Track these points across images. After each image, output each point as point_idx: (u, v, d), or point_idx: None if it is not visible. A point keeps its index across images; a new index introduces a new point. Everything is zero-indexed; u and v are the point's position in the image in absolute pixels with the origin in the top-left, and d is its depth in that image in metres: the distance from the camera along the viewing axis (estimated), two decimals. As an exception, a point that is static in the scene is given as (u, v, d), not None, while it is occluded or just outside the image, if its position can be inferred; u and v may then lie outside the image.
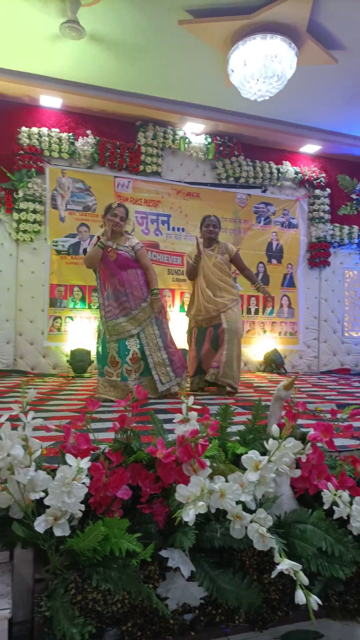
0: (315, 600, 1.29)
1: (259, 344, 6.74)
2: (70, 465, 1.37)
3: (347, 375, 6.62)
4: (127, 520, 1.40)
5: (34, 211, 5.71)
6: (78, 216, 5.99)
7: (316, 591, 1.43)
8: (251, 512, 1.43)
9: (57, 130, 5.89)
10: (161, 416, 1.97)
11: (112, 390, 3.59)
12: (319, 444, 1.69)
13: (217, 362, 3.95)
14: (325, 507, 1.58)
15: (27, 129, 5.75)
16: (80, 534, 1.35)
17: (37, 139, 5.76)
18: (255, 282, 4.36)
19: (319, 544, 1.49)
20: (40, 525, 1.32)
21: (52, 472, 1.40)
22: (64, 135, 5.88)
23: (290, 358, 6.98)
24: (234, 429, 1.90)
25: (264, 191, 6.94)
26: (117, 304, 3.62)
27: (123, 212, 3.68)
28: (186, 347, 4.42)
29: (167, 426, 1.86)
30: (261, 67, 4.48)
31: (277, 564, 1.34)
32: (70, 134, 5.92)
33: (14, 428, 1.44)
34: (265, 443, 1.52)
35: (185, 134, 6.43)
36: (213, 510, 1.43)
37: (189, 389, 4.13)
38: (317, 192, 7.17)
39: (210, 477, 1.50)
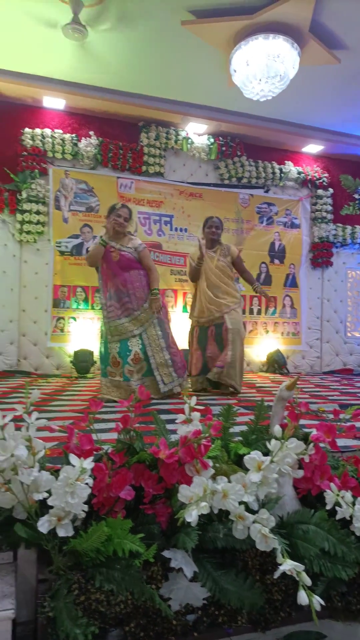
0: (318, 601, 1.29)
1: (262, 344, 6.74)
2: (73, 466, 1.37)
3: (350, 376, 6.61)
4: (130, 521, 1.40)
5: (38, 212, 5.73)
6: (81, 217, 6.01)
7: (319, 592, 1.43)
8: (254, 512, 1.43)
9: (60, 131, 5.91)
10: (164, 417, 1.97)
11: (115, 391, 3.59)
12: (321, 445, 1.69)
13: (222, 362, 3.96)
14: (328, 507, 1.58)
15: (30, 130, 5.77)
16: (84, 534, 1.35)
17: (41, 140, 5.78)
18: (253, 284, 4.36)
19: (322, 544, 1.49)
20: (43, 525, 1.32)
21: (56, 473, 1.40)
22: (67, 136, 5.90)
23: (293, 358, 6.98)
24: (236, 429, 1.90)
25: (267, 191, 6.94)
26: (120, 304, 3.62)
27: (127, 213, 3.69)
28: (186, 347, 4.42)
29: (169, 426, 1.87)
30: (264, 67, 4.48)
31: (280, 564, 1.34)
32: (73, 135, 5.93)
33: (18, 428, 1.44)
34: (267, 443, 1.52)
35: (187, 134, 6.44)
36: (216, 511, 1.43)
37: (191, 389, 4.14)
38: (320, 192, 7.16)
39: (213, 477, 1.50)
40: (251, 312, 6.75)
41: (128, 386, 3.52)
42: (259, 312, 6.81)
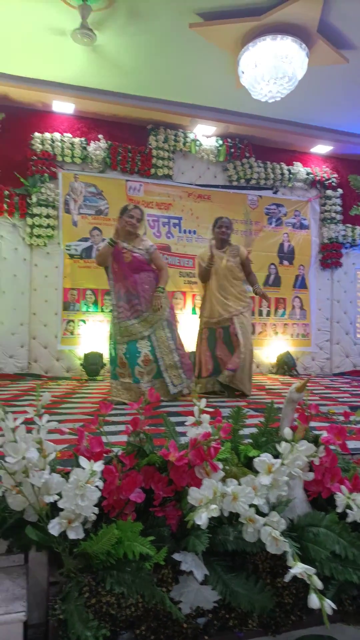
0: (329, 605, 1.28)
1: (271, 346, 6.72)
2: (83, 469, 1.38)
3: (361, 377, 6.56)
4: (140, 524, 1.41)
5: (47, 216, 5.77)
6: (90, 220, 6.04)
7: (330, 595, 1.42)
8: (264, 515, 1.42)
9: (70, 135, 5.95)
10: (173, 419, 1.98)
11: (125, 393, 3.60)
12: (332, 447, 1.68)
13: (233, 366, 3.96)
14: (339, 510, 1.57)
15: (40, 134, 5.82)
16: (94, 537, 1.36)
17: (50, 145, 5.83)
18: (254, 285, 4.35)
19: (333, 547, 1.48)
20: (54, 528, 1.33)
21: (66, 475, 1.41)
22: (76, 140, 5.94)
23: (303, 360, 6.94)
24: (246, 431, 1.90)
25: (275, 192, 6.92)
26: (129, 305, 3.64)
27: (139, 214, 3.72)
28: (193, 349, 4.43)
29: (179, 429, 1.87)
30: (272, 68, 4.48)
31: (291, 567, 1.33)
32: (83, 139, 5.97)
33: (29, 431, 1.45)
34: (277, 446, 1.52)
35: (196, 136, 6.44)
36: (226, 514, 1.42)
37: (199, 392, 4.13)
38: (329, 192, 7.12)
39: (223, 480, 1.50)
40: (260, 313, 6.73)
41: (138, 388, 3.53)
42: (268, 314, 6.78)
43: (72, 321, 5.91)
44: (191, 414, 1.66)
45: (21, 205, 5.69)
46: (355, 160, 7.32)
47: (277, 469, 1.45)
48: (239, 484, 1.45)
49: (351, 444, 1.94)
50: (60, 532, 1.33)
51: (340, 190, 7.15)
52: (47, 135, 5.84)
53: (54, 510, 1.38)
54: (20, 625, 1.33)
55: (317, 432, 1.87)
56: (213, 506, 1.36)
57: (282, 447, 1.49)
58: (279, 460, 1.47)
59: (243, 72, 4.73)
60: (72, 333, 5.89)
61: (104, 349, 5.56)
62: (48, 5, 4.15)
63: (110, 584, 1.35)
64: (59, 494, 1.37)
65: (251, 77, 4.68)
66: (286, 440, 1.51)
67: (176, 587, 1.43)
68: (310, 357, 7.01)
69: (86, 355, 5.67)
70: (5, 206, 5.62)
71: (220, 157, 6.56)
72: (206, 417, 1.65)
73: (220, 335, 4.13)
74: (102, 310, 5.97)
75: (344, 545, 1.48)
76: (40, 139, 5.81)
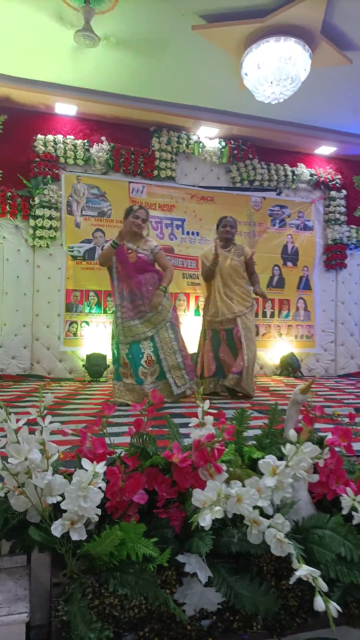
0: (334, 607, 1.27)
1: (275, 347, 6.70)
2: (86, 470, 1.37)
3: (365, 379, 6.53)
4: (143, 525, 1.40)
5: (50, 217, 5.78)
6: (93, 222, 6.05)
7: (335, 598, 1.41)
8: (268, 517, 1.41)
9: (72, 137, 5.96)
10: (177, 420, 1.97)
11: (129, 394, 3.60)
12: (337, 449, 1.67)
13: (237, 369, 3.96)
14: (344, 512, 1.56)
15: (42, 136, 5.83)
16: (97, 538, 1.35)
17: (53, 146, 5.84)
18: (254, 285, 4.35)
19: (338, 549, 1.46)
20: (57, 529, 1.32)
21: (69, 476, 1.41)
22: (79, 142, 5.95)
23: (307, 361, 6.92)
24: (250, 433, 1.89)
25: (279, 194, 6.92)
26: (133, 306, 3.65)
27: (144, 214, 3.73)
28: (195, 350, 4.43)
29: (182, 430, 1.86)
30: (275, 69, 4.48)
31: (296, 570, 1.32)
32: (85, 141, 5.98)
33: (32, 432, 1.45)
34: (282, 447, 1.51)
35: (199, 138, 6.45)
36: (230, 515, 1.41)
37: (202, 392, 4.13)
38: (333, 193, 7.11)
39: (227, 481, 1.49)
40: (264, 315, 6.71)
41: (141, 390, 3.52)
42: (272, 315, 6.77)
43: (75, 322, 5.91)
44: (195, 415, 1.65)
45: (24, 206, 5.70)
46: (359, 162, 7.30)
47: (281, 470, 1.43)
48: (243, 486, 1.44)
49: (356, 446, 1.93)
50: (63, 533, 1.33)
51: (344, 192, 7.14)
52: (50, 137, 5.86)
53: (56, 511, 1.37)
54: (22, 626, 1.33)
55: (322, 434, 1.86)
56: (217, 508, 1.35)
57: (287, 448, 1.48)
58: (283, 462, 1.45)
59: (246, 74, 4.73)
60: (74, 334, 5.89)
61: (107, 351, 5.56)
62: (51, 7, 4.17)
63: (113, 585, 1.34)
64: (62, 495, 1.37)
65: (254, 78, 4.68)
66: (291, 442, 1.50)
67: (180, 589, 1.42)
68: (315, 359, 6.99)
69: (89, 357, 5.67)
70: (8, 207, 5.64)
71: (223, 159, 6.56)
72: (210, 419, 1.64)
73: (224, 337, 4.13)
74: (105, 312, 5.97)
75: (349, 547, 1.47)
76: (43, 141, 5.82)
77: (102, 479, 1.39)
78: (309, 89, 5.09)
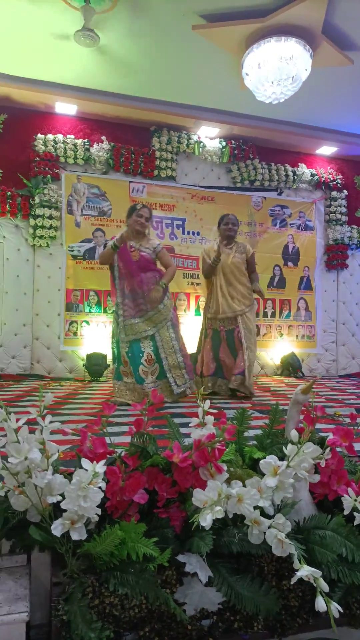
0: (336, 608, 1.26)
1: (276, 347, 6.69)
2: (86, 470, 1.37)
3: (366, 379, 6.52)
4: (143, 525, 1.40)
5: (50, 217, 5.77)
6: (93, 221, 6.04)
7: (336, 598, 1.40)
8: (269, 517, 1.41)
9: (72, 136, 5.95)
10: (177, 420, 1.96)
11: (129, 394, 3.60)
12: (338, 449, 1.66)
13: (240, 370, 3.97)
14: (346, 512, 1.55)
15: (42, 136, 5.83)
16: (97, 537, 1.35)
17: (53, 146, 5.83)
18: (253, 282, 4.34)
19: (339, 550, 1.46)
20: (57, 529, 1.32)
21: (69, 476, 1.40)
22: (79, 141, 5.95)
23: (308, 362, 6.91)
24: (251, 433, 1.88)
25: (280, 194, 6.91)
26: (134, 304, 3.65)
27: (147, 213, 3.75)
28: (195, 349, 4.43)
29: (183, 430, 1.86)
30: (276, 69, 4.47)
31: (297, 570, 1.32)
32: (85, 140, 5.98)
33: (32, 432, 1.44)
34: (283, 448, 1.50)
35: (199, 138, 6.44)
36: (230, 515, 1.41)
37: (202, 392, 4.13)
38: (334, 193, 7.11)
39: (228, 481, 1.48)
40: (265, 315, 6.71)
41: (142, 389, 3.52)
42: (273, 315, 6.76)
43: (75, 322, 5.90)
44: (195, 415, 1.65)
45: (24, 206, 5.70)
46: (360, 162, 7.31)
47: (283, 471, 1.43)
48: (244, 486, 1.44)
49: (358, 446, 1.92)
50: (63, 533, 1.33)
51: (345, 192, 7.13)
52: (50, 136, 5.85)
53: (57, 510, 1.37)
54: (22, 625, 1.32)
55: (323, 434, 1.86)
56: (217, 508, 1.35)
57: (289, 449, 1.48)
58: (284, 463, 1.45)
59: (247, 74, 4.72)
60: (75, 334, 5.89)
61: (107, 350, 5.56)
62: (51, 7, 4.16)
63: (113, 585, 1.34)
64: (62, 495, 1.36)
65: (255, 78, 4.67)
66: (292, 442, 1.49)
67: (180, 589, 1.42)
68: (316, 359, 6.98)
69: (89, 356, 5.66)
70: (8, 207, 5.63)
71: (224, 159, 6.56)
72: (210, 419, 1.64)
73: (224, 338, 4.13)
74: (105, 311, 5.96)
75: (350, 548, 1.47)
76: (43, 141, 5.82)
77: (102, 479, 1.39)
78: (310, 89, 5.08)
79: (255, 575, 1.48)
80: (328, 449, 1.60)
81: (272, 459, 1.46)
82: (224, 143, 6.53)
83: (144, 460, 1.59)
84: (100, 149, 5.99)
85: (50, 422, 1.49)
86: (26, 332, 5.75)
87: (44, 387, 1.69)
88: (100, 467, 1.38)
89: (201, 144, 6.44)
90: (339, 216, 7.06)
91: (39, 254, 5.85)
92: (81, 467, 1.39)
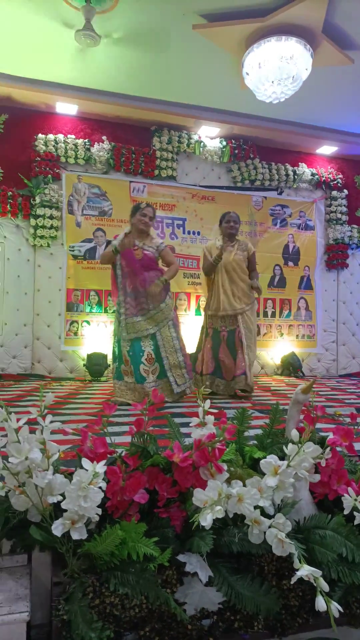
0: (336, 607, 1.26)
1: (276, 347, 6.69)
2: (86, 469, 1.37)
3: (366, 379, 6.52)
4: (144, 525, 1.40)
5: (51, 217, 5.77)
6: (94, 221, 6.04)
7: (336, 598, 1.41)
8: (270, 517, 1.41)
9: (73, 136, 5.95)
10: (177, 420, 1.96)
11: (129, 394, 3.60)
12: (338, 449, 1.66)
13: (241, 370, 3.98)
14: (346, 512, 1.56)
15: (43, 135, 5.83)
16: (98, 537, 1.35)
17: (54, 146, 5.83)
18: (252, 279, 4.34)
19: (339, 550, 1.46)
20: (57, 528, 1.32)
21: (70, 476, 1.40)
22: (80, 141, 5.94)
23: (308, 361, 6.91)
24: (251, 432, 1.88)
25: (280, 193, 6.90)
26: (136, 303, 3.66)
27: (151, 212, 3.76)
28: (194, 349, 4.44)
29: (183, 430, 1.86)
30: (276, 69, 4.46)
31: (297, 570, 1.32)
32: (86, 140, 5.98)
33: (32, 431, 1.44)
34: (284, 447, 1.50)
35: (200, 137, 6.44)
36: (231, 515, 1.41)
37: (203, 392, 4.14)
38: (334, 193, 7.10)
39: (228, 481, 1.48)
40: (265, 314, 6.70)
41: (142, 389, 3.52)
42: (273, 315, 6.76)
43: (76, 322, 5.91)
44: (195, 414, 1.65)
45: (24, 206, 5.70)
46: (360, 161, 7.30)
47: (283, 470, 1.43)
48: (244, 486, 1.44)
49: (358, 446, 1.92)
50: (63, 533, 1.33)
51: (345, 191, 7.12)
52: (51, 136, 5.85)
53: (57, 510, 1.37)
54: (23, 625, 1.33)
55: (323, 434, 1.86)
56: (218, 507, 1.35)
57: (289, 448, 1.48)
58: (285, 462, 1.45)
59: (247, 74, 4.72)
60: (75, 334, 5.89)
61: (108, 350, 5.56)
62: (51, 7, 4.16)
63: (114, 584, 1.34)
64: (62, 495, 1.37)
65: (256, 78, 4.66)
66: (292, 442, 1.50)
67: (181, 589, 1.42)
68: (316, 359, 6.98)
69: (89, 356, 5.66)
70: (8, 207, 5.63)
71: (225, 158, 6.55)
72: (210, 418, 1.64)
73: (224, 338, 4.13)
74: (106, 311, 5.96)
75: (350, 548, 1.47)
76: (44, 141, 5.82)
77: (103, 479, 1.39)
78: (311, 89, 5.07)
79: (256, 575, 1.49)
80: (328, 448, 1.60)
81: (272, 458, 1.46)
82: (224, 143, 6.53)
83: (144, 460, 1.60)
84: (101, 149, 5.99)
85: (51, 422, 1.49)
86: (27, 332, 5.75)
87: (44, 387, 1.69)
88: (101, 467, 1.38)
89: (201, 143, 6.44)
90: (339, 216, 7.05)
91: (39, 254, 5.85)
92: (82, 467, 1.39)
